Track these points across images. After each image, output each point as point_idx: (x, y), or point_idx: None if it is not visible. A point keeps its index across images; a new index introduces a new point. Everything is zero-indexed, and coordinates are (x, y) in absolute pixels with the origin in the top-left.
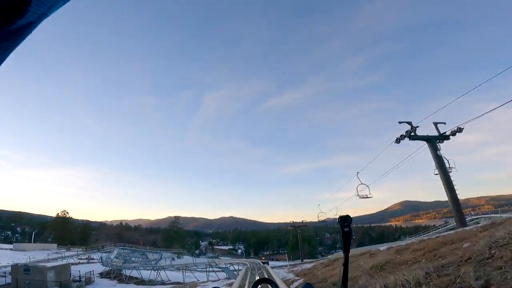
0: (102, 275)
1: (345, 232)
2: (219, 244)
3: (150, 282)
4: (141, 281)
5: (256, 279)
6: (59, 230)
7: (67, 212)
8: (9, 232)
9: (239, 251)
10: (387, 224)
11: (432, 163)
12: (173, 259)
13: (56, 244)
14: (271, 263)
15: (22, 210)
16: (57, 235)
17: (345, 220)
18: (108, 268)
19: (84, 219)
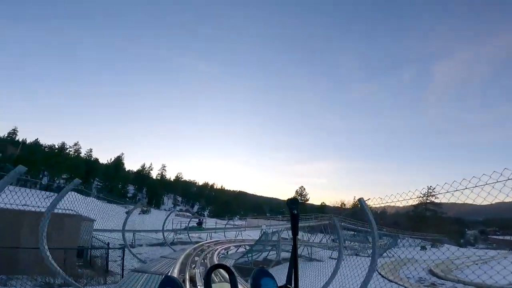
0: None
1: (294, 214)
2: (498, 233)
3: None
4: None
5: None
6: None
7: None
8: None
9: None
10: None
11: None
12: (424, 248)
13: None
14: None
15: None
16: None
17: (294, 202)
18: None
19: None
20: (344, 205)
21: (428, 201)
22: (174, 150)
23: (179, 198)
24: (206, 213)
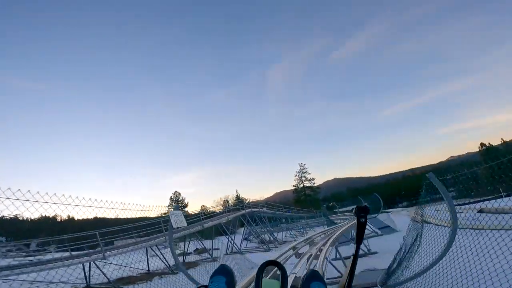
0: None
1: (361, 223)
2: (338, 206)
3: None
4: None
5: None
6: None
7: None
8: None
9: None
10: None
11: None
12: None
13: None
14: None
15: None
16: None
17: (363, 210)
18: None
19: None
20: (228, 202)
21: (304, 178)
22: None
23: (2, 239)
24: (52, 248)
